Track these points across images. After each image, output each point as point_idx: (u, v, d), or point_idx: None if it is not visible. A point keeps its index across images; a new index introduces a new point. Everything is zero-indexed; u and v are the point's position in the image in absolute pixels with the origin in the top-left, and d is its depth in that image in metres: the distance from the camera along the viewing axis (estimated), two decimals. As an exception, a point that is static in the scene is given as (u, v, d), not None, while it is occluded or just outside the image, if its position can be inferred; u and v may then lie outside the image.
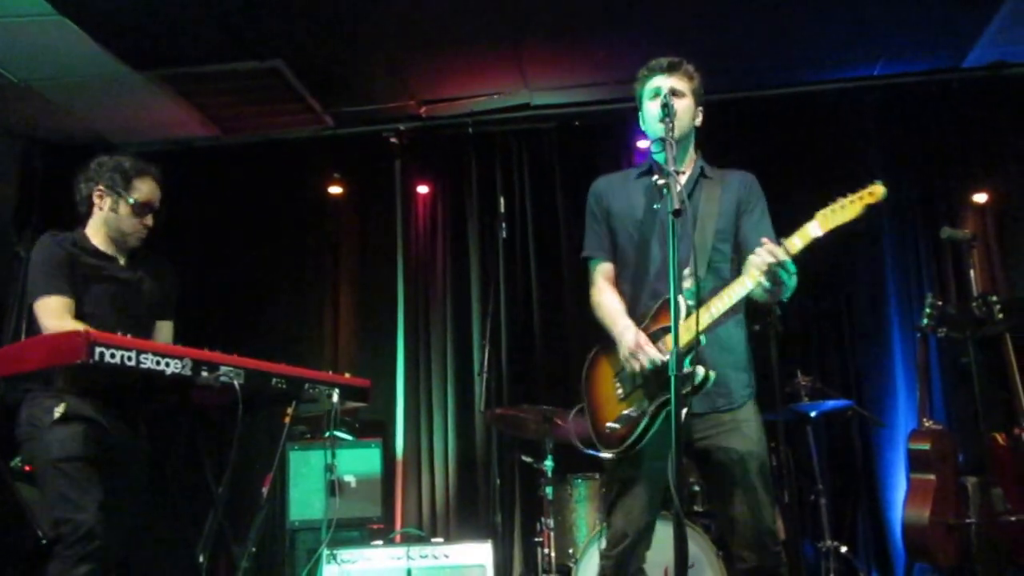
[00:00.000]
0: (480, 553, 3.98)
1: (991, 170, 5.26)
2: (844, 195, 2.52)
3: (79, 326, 2.80)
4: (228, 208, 5.92)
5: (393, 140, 5.79)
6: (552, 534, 4.12)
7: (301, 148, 5.92)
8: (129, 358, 2.59)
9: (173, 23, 4.48)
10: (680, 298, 2.34)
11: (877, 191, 2.50)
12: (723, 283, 2.64)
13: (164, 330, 3.31)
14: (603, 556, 2.74)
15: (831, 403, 4.48)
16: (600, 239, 2.91)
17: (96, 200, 3.14)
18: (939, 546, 4.16)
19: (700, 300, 2.46)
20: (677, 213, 2.25)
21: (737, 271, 2.65)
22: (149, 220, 3.21)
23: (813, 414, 4.46)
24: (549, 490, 4.18)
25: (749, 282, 2.50)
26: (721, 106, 5.22)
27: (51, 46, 4.57)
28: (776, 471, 4.39)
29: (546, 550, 4.11)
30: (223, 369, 2.83)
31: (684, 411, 2.20)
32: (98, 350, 2.51)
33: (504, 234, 4.88)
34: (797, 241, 2.48)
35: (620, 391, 2.70)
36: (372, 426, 5.12)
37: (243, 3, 4.35)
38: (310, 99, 5.37)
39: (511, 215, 5.56)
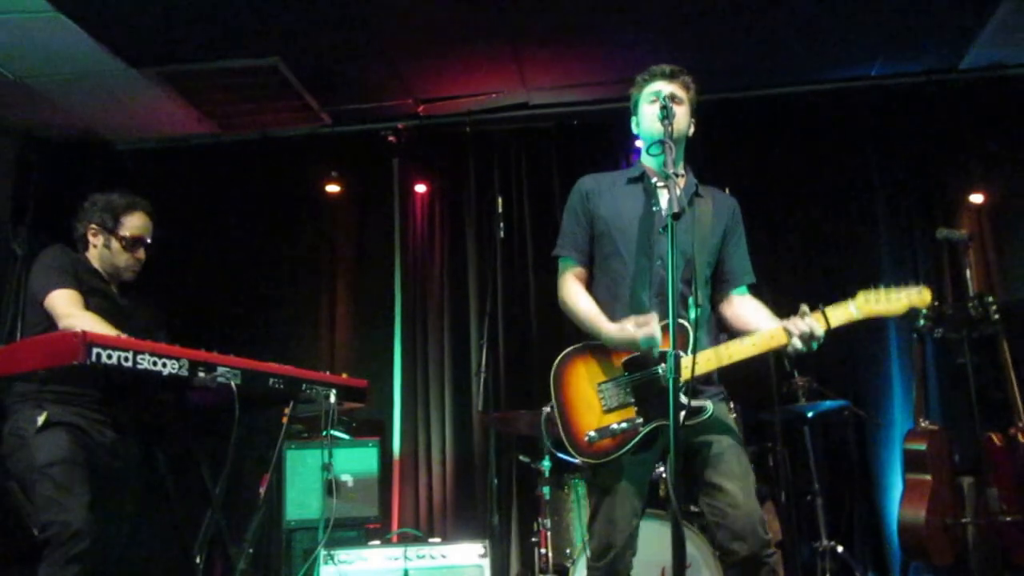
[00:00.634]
0: (477, 553, 3.98)
1: (987, 170, 5.26)
2: (893, 287, 2.58)
3: (92, 318, 2.88)
4: (225, 206, 5.91)
5: (391, 139, 5.78)
6: (549, 534, 4.12)
7: (298, 146, 5.91)
8: (126, 359, 2.58)
9: (170, 20, 4.47)
10: (682, 321, 2.35)
11: (926, 297, 2.55)
12: (703, 309, 2.67)
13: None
14: (590, 568, 2.69)
15: (828, 403, 4.49)
16: (577, 240, 2.83)
17: (90, 237, 3.27)
18: (935, 546, 4.18)
19: (697, 325, 2.50)
20: (677, 216, 2.24)
21: (714, 299, 2.80)
22: (141, 254, 3.32)
23: (810, 414, 4.47)
24: (546, 490, 4.17)
25: (782, 342, 2.53)
26: (717, 106, 5.22)
27: (47, 43, 4.55)
28: (773, 471, 4.40)
29: (543, 550, 4.11)
30: (220, 370, 2.83)
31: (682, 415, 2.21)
32: (95, 351, 2.51)
33: (502, 233, 4.89)
34: (839, 317, 2.55)
35: (604, 402, 2.63)
36: (369, 425, 5.11)
37: (241, 0, 4.34)
38: (308, 97, 5.36)
39: (509, 214, 5.56)
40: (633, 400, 2.60)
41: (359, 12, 4.50)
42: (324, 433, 3.46)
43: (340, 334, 5.81)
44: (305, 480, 4.50)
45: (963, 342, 4.35)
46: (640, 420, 2.57)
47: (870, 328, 5.19)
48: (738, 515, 2.53)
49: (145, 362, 2.63)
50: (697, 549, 3.66)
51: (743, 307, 2.79)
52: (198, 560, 3.11)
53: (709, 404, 2.54)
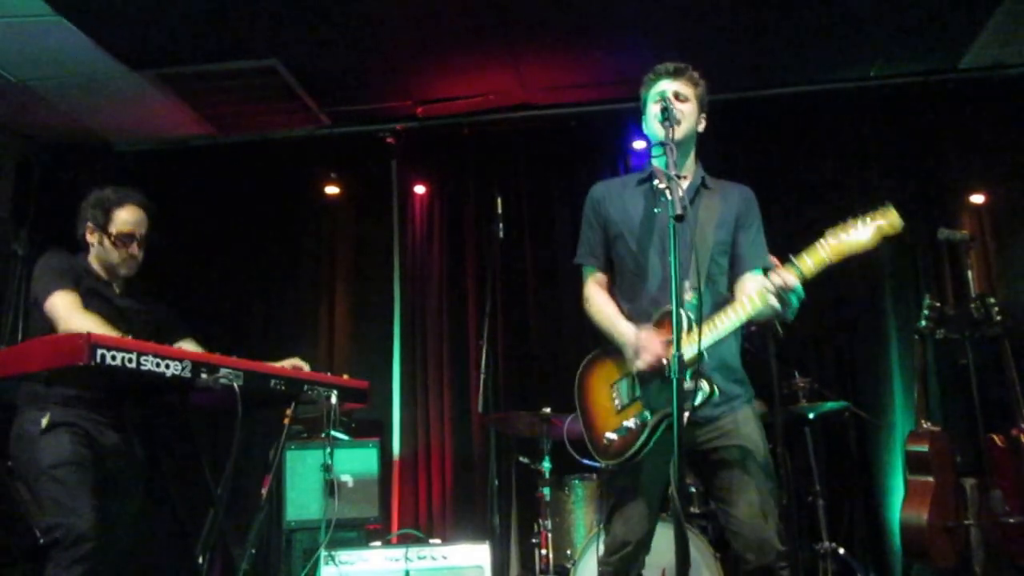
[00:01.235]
0: (478, 554, 3.98)
1: (988, 171, 5.26)
2: (859, 216, 2.48)
3: (92, 321, 2.88)
4: (224, 207, 5.90)
5: (390, 140, 5.79)
6: (549, 535, 4.12)
7: (297, 147, 5.91)
8: (130, 360, 2.59)
9: (170, 22, 4.47)
10: (681, 310, 2.33)
11: (892, 219, 2.47)
12: (721, 296, 2.65)
13: (187, 347, 3.30)
14: (601, 563, 2.73)
15: (829, 405, 4.48)
16: (593, 247, 2.89)
17: (88, 237, 3.24)
18: (937, 548, 4.16)
19: (700, 313, 2.45)
20: (679, 218, 2.24)
21: (731, 285, 2.70)
22: (135, 249, 3.25)
23: (811, 416, 4.46)
24: (547, 491, 4.18)
25: (758, 302, 2.48)
26: (717, 108, 5.20)
27: (48, 45, 4.55)
28: (774, 473, 4.39)
29: (543, 551, 4.11)
30: (223, 371, 2.83)
31: (686, 415, 2.20)
32: (99, 352, 2.51)
33: (501, 234, 4.88)
34: (810, 263, 2.45)
35: (617, 401, 2.68)
36: (369, 426, 5.10)
37: (240, 2, 4.34)
38: (307, 98, 5.35)
39: (508, 215, 5.54)
40: (640, 394, 2.62)
41: (358, 14, 4.50)
42: (324, 434, 3.45)
43: (339, 335, 5.80)
44: (305, 481, 4.50)
45: (965, 343, 4.35)
46: (647, 413, 2.58)
47: (871, 329, 5.21)
48: (748, 529, 2.57)
49: (148, 363, 2.63)
50: (697, 550, 3.66)
51: (750, 284, 2.72)
52: (201, 561, 3.10)
53: (715, 387, 2.48)
